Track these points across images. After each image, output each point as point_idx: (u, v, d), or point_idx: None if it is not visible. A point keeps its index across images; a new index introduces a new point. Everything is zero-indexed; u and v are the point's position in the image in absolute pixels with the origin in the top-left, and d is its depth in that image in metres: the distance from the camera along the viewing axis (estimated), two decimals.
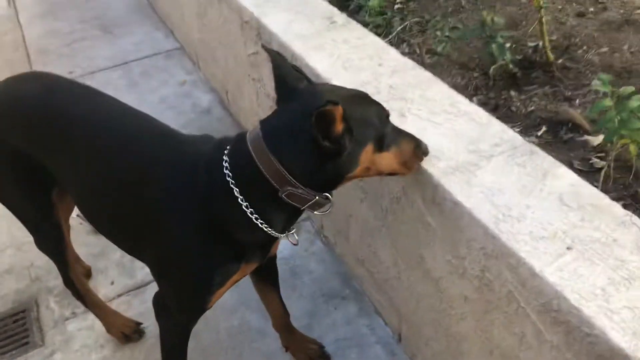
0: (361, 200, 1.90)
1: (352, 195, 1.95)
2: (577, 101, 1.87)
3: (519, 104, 1.82)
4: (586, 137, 1.76)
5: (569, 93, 1.88)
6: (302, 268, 2.30)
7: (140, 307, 2.21)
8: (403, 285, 1.80)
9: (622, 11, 2.26)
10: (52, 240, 1.87)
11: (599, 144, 1.74)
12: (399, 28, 2.25)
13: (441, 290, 1.57)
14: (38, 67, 3.85)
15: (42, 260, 2.40)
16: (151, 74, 3.69)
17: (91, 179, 1.55)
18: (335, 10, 2.26)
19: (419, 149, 1.38)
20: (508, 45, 1.98)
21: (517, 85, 1.92)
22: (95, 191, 1.56)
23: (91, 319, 2.17)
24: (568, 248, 1.20)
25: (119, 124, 1.57)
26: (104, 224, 1.65)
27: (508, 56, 1.90)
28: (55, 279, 2.34)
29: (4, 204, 1.84)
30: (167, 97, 3.44)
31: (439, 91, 1.72)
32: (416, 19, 2.28)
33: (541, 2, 1.88)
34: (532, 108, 1.83)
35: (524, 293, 1.22)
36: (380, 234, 1.84)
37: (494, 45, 1.88)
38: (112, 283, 2.33)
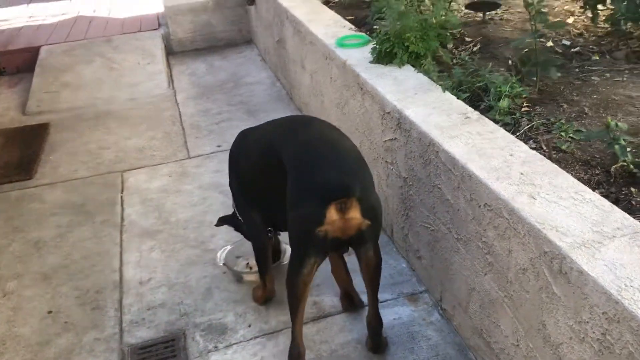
0: (485, 273, 2.12)
1: (475, 268, 2.18)
2: None
3: (639, 199, 2.01)
4: None
5: None
6: (420, 334, 2.50)
7: (273, 350, 2.49)
8: (521, 353, 1.96)
9: None
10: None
11: None
12: (527, 127, 2.52)
13: (560, 356, 1.74)
14: (191, 139, 4.45)
15: (190, 300, 2.78)
16: None
17: None
18: (469, 107, 2.58)
19: None
20: (629, 148, 2.19)
21: (636, 184, 2.11)
22: None
23: (230, 353, 2.48)
24: None
25: None
26: None
27: (630, 157, 2.11)
28: (201, 316, 2.71)
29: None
30: None
31: (565, 181, 1.96)
32: (542, 121, 2.55)
33: None
34: None
35: None
36: (502, 305, 2.03)
37: (617, 146, 2.10)
38: (249, 326, 2.64)
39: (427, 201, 2.49)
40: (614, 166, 2.18)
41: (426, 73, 3.00)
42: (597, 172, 2.21)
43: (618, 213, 1.76)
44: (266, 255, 2.57)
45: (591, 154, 2.31)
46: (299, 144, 2.13)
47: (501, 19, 3.96)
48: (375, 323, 2.31)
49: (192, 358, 2.50)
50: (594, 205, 1.81)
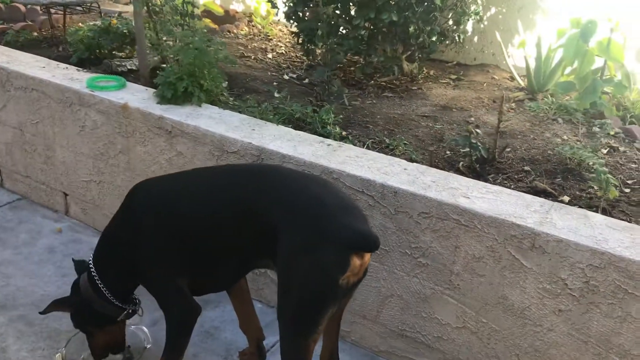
0: (414, 276, 2.36)
1: (396, 276, 2.39)
2: None
3: (499, 180, 2.58)
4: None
5: None
6: None
7: None
8: (466, 333, 2.30)
9: None
10: None
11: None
12: (366, 147, 2.82)
13: (526, 317, 2.16)
14: None
15: None
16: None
17: None
18: (319, 137, 2.72)
19: None
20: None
21: (488, 174, 2.66)
22: None
23: None
24: None
25: None
26: None
27: (482, 151, 2.65)
28: None
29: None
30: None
31: (458, 180, 2.38)
32: (371, 140, 2.88)
33: None
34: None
35: (631, 283, 1.93)
36: (442, 297, 2.32)
37: (480, 146, 2.63)
38: None
39: None
40: (462, 163, 2.69)
41: (234, 109, 2.96)
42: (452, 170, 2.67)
43: (527, 196, 2.29)
44: (190, 332, 2.14)
45: (440, 158, 2.76)
46: (291, 189, 1.91)
47: None
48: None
49: None
50: (507, 194, 2.29)
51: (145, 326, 2.51)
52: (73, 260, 2.39)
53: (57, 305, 2.27)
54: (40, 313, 2.27)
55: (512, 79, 3.96)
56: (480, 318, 2.27)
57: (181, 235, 2.01)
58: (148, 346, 2.44)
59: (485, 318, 2.25)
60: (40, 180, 3.53)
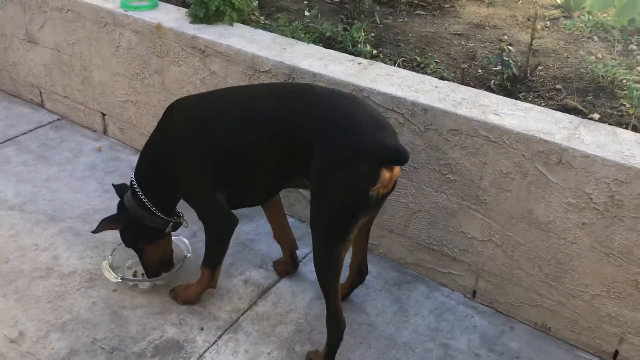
0: (441, 192, 2.43)
1: (423, 192, 2.46)
2: None
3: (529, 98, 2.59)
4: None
5: None
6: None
7: (249, 339, 2.29)
8: (491, 245, 2.38)
9: None
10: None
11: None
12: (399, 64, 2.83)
13: (550, 230, 2.22)
14: None
15: (103, 332, 2.29)
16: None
17: None
18: (349, 55, 2.74)
19: None
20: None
21: (518, 92, 2.67)
22: None
23: None
24: None
25: None
26: None
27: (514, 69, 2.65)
28: (136, 344, 2.27)
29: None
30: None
31: (489, 98, 2.40)
32: (402, 59, 2.89)
33: None
34: None
35: None
36: (468, 212, 2.39)
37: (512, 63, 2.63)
38: (202, 329, 2.32)
39: None
40: (493, 81, 2.70)
41: (265, 29, 2.98)
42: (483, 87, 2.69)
43: (557, 113, 2.30)
44: (228, 242, 2.27)
45: (472, 76, 2.78)
46: (325, 107, 1.96)
47: None
48: (366, 270, 2.37)
49: None
50: (537, 112, 2.31)
51: (184, 237, 2.66)
52: (113, 185, 2.50)
53: (107, 223, 2.39)
54: (92, 232, 2.40)
55: None
56: (505, 232, 2.34)
57: (217, 151, 2.10)
58: (188, 255, 2.59)
59: (510, 231, 2.33)
60: (78, 100, 3.64)
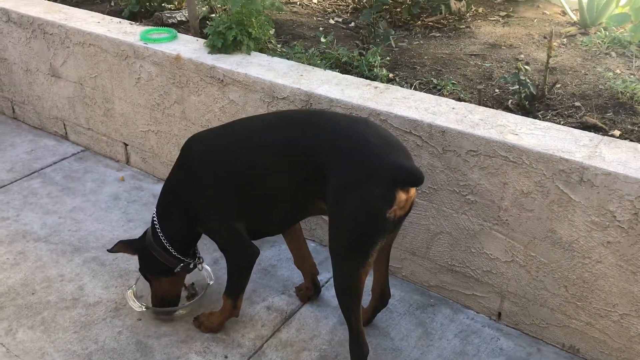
0: (462, 213, 2.42)
1: (445, 214, 2.45)
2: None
3: (548, 117, 2.59)
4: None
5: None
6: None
7: None
8: (515, 266, 2.36)
9: None
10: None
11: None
12: (413, 87, 2.84)
13: (574, 250, 2.20)
14: None
15: None
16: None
17: None
18: (365, 80, 2.76)
19: None
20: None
21: (532, 112, 2.66)
22: None
23: None
24: None
25: None
26: None
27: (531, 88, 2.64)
28: None
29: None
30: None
31: (506, 117, 2.39)
32: (418, 81, 2.90)
33: None
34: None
35: None
36: (490, 233, 2.38)
37: (529, 83, 2.63)
38: (226, 357, 2.32)
39: None
40: (510, 101, 2.69)
41: (282, 56, 3.02)
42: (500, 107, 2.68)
43: (576, 131, 2.29)
44: (250, 272, 2.28)
45: (489, 97, 2.77)
46: (337, 131, 1.98)
47: None
48: (388, 293, 2.36)
49: None
50: (556, 130, 2.29)
51: (207, 264, 2.68)
52: None
53: (122, 245, 2.43)
54: (108, 251, 2.44)
55: (564, 13, 3.85)
56: (528, 252, 2.32)
57: (233, 180, 2.12)
58: (211, 282, 2.61)
59: (534, 252, 2.31)
60: (101, 132, 3.71)
